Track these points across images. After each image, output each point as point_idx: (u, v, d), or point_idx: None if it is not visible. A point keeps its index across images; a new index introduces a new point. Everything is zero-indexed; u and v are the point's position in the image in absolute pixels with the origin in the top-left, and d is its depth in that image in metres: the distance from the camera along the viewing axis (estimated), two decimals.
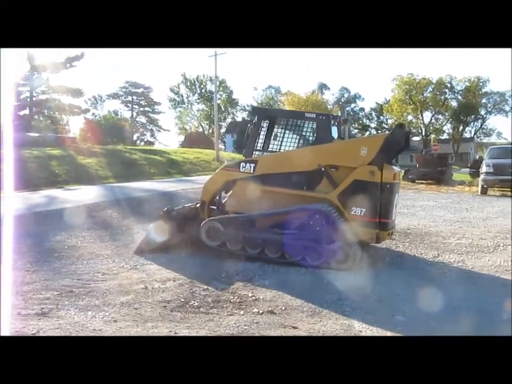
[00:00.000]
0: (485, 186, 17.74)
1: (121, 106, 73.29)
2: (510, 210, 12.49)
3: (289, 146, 7.88)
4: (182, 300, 5.25)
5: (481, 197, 17.26)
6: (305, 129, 7.84)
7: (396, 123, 7.49)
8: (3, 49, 5.06)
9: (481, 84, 57.55)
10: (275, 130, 7.96)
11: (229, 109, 79.51)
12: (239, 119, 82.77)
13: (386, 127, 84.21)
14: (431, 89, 58.00)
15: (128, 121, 68.72)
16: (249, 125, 8.22)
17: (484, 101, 60.58)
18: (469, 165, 29.68)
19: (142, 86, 72.38)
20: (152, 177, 25.11)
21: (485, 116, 62.46)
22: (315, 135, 7.70)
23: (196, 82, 75.75)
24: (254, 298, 5.39)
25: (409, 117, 60.43)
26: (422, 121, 59.92)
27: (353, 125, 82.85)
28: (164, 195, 15.04)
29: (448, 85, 57.72)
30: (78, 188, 17.72)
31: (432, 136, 60.06)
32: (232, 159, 8.68)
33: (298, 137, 7.94)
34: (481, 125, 64.55)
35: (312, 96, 67.67)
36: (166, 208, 7.64)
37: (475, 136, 65.24)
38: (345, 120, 8.54)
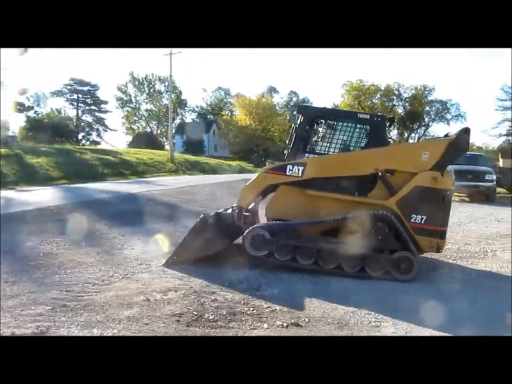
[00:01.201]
0: None
1: (66, 104, 70.39)
2: (478, 216, 12.78)
3: (339, 149, 7.34)
4: (195, 313, 4.77)
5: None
6: (357, 131, 7.28)
7: (462, 127, 6.89)
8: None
9: (427, 92, 59.40)
10: (323, 131, 7.45)
11: (178, 110, 78.22)
12: (188, 120, 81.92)
13: None
14: (379, 96, 59.31)
15: (73, 119, 66.16)
16: (293, 125, 7.57)
17: (427, 108, 62.53)
18: None
19: (88, 84, 69.81)
20: (105, 178, 24.14)
21: (428, 123, 64.47)
22: (368, 137, 7.20)
23: (144, 82, 74.02)
24: (270, 309, 5.00)
25: None
26: None
27: None
28: (129, 197, 14.29)
29: (396, 92, 59.21)
30: (32, 189, 16.64)
31: None
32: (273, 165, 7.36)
33: (349, 139, 7.39)
34: (424, 132, 66.62)
35: (263, 98, 67.80)
36: (203, 215, 6.96)
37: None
38: (392, 120, 7.88)
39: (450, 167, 17.86)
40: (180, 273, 6.24)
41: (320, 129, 7.44)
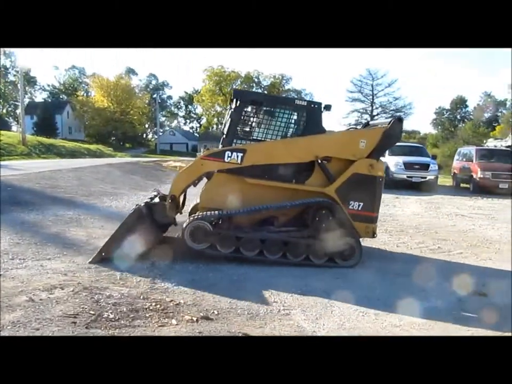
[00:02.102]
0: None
1: None
2: (434, 207, 13.46)
3: (276, 135, 7.08)
4: (92, 313, 4.27)
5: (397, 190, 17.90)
6: (294, 118, 7.08)
7: (395, 116, 6.64)
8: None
9: (284, 81, 61.94)
10: (260, 117, 7.12)
11: (27, 88, 71.73)
12: (38, 99, 75.73)
13: (195, 116, 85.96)
14: (240, 83, 60.38)
15: None
16: (228, 109, 7.04)
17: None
18: None
19: None
20: None
21: None
22: (305, 124, 7.00)
23: None
24: (174, 303, 4.67)
25: (219, 108, 62.04)
26: None
27: (161, 113, 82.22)
28: None
29: (256, 80, 60.78)
30: None
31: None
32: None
33: (285, 126, 7.10)
34: None
35: (121, 80, 65.15)
36: (137, 206, 6.27)
37: None
38: (329, 107, 7.60)
39: (401, 158, 18.52)
40: (63, 268, 5.61)
41: (257, 115, 7.15)
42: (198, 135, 77.27)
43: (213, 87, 59.09)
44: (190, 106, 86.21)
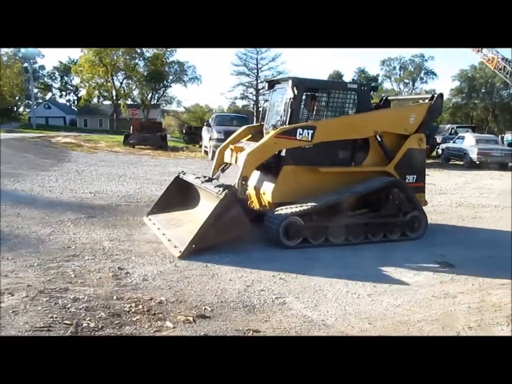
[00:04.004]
0: (216, 152, 18.42)
1: None
2: None
3: (333, 117, 6.94)
4: (67, 322, 3.59)
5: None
6: (347, 101, 6.98)
7: (436, 92, 7.61)
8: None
9: (168, 53, 59.81)
10: (317, 103, 7.01)
11: None
12: None
13: (72, 88, 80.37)
14: (121, 53, 57.31)
15: None
16: (287, 98, 6.63)
17: (167, 69, 63.25)
18: (183, 131, 30.65)
19: None
20: None
21: (168, 84, 65.38)
22: (357, 104, 6.97)
23: None
24: (156, 301, 4.11)
25: (100, 80, 58.53)
26: (113, 85, 58.73)
27: (33, 84, 75.77)
28: None
29: (138, 50, 58.01)
30: None
31: (122, 100, 59.72)
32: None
33: (341, 107, 6.98)
34: (163, 93, 67.50)
35: None
36: (226, 191, 5.67)
37: (158, 103, 67.87)
38: (376, 88, 7.75)
39: (222, 128, 18.56)
40: None
41: (314, 100, 7.01)
42: (76, 109, 72.36)
43: (93, 57, 55.37)
44: (65, 78, 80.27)
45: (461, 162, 20.20)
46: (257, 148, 6.20)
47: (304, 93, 6.80)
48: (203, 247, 5.43)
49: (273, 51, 59.36)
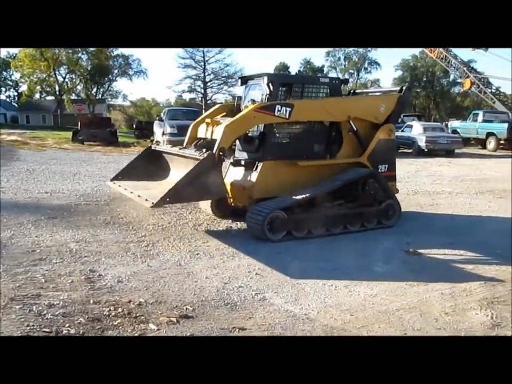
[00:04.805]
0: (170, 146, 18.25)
1: None
2: None
3: None
4: (46, 330, 3.47)
5: None
6: (320, 94, 7.14)
7: (404, 85, 8.52)
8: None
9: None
10: (291, 97, 6.98)
11: None
12: None
13: (11, 83, 77.05)
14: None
15: None
16: (263, 95, 6.64)
17: (111, 63, 61.70)
18: (134, 126, 29.97)
19: None
20: None
21: (113, 78, 63.82)
22: (329, 97, 7.11)
23: None
24: (134, 303, 4.03)
25: (42, 75, 56.38)
26: (56, 80, 56.75)
27: None
28: None
29: None
30: None
31: (65, 96, 57.85)
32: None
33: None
34: (108, 87, 65.88)
35: None
36: (208, 152, 5.78)
37: (104, 97, 66.14)
38: (347, 81, 8.51)
39: (175, 122, 18.33)
40: None
41: (289, 94, 7.06)
42: (18, 105, 69.38)
43: (33, 52, 53.19)
44: (4, 73, 76.72)
45: (410, 150, 20.79)
46: (235, 120, 6.22)
47: (279, 88, 6.87)
48: (175, 202, 5.72)
49: None
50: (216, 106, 7.75)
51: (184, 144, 7.07)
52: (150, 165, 7.00)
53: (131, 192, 6.24)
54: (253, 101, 6.42)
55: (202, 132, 6.91)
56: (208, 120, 6.80)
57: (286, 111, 6.30)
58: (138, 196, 5.94)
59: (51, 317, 3.67)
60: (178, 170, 6.26)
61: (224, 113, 7.27)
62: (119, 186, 6.77)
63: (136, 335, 3.46)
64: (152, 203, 5.38)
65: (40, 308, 3.81)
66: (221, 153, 5.86)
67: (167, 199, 5.39)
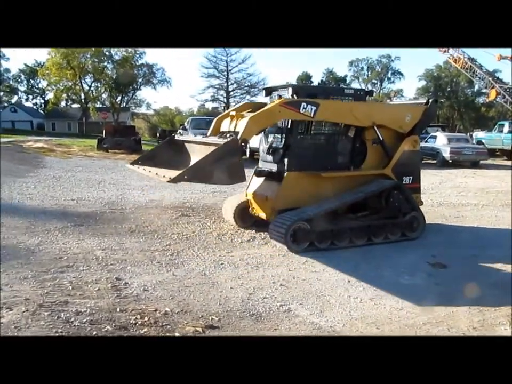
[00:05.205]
0: None
1: None
2: None
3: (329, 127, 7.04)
4: (74, 336, 3.49)
5: None
6: None
7: (430, 97, 9.11)
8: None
9: (137, 55, 59.10)
10: None
11: None
12: None
13: (38, 91, 78.64)
14: (90, 56, 56.40)
15: None
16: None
17: (136, 72, 62.54)
18: (158, 135, 30.28)
19: None
20: None
21: (137, 87, 64.65)
22: None
23: None
24: (161, 312, 4.05)
25: (68, 83, 57.44)
26: (81, 88, 57.78)
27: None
28: None
29: (107, 53, 57.17)
30: None
31: (90, 104, 58.80)
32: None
33: None
34: (133, 95, 66.75)
35: None
36: (233, 137, 5.70)
37: (128, 106, 67.00)
38: (372, 92, 8.22)
39: (199, 131, 18.36)
40: None
41: None
42: (44, 112, 70.74)
43: (60, 60, 54.27)
44: (32, 81, 78.39)
45: (434, 161, 20.57)
46: (260, 113, 6.16)
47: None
48: (192, 181, 5.61)
49: (243, 52, 59.46)
50: (242, 103, 7.77)
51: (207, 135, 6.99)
52: (171, 153, 6.87)
53: (149, 172, 6.23)
54: (279, 96, 6.40)
55: (226, 125, 6.72)
56: (233, 113, 6.61)
57: (311, 109, 6.26)
58: (156, 173, 5.89)
59: (78, 324, 3.72)
60: (199, 157, 6.07)
61: (250, 110, 7.11)
62: (137, 168, 6.74)
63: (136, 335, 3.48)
64: (170, 178, 5.30)
65: (68, 315, 3.86)
66: (242, 144, 5.79)
67: (185, 176, 5.30)
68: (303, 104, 6.23)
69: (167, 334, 3.63)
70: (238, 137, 5.73)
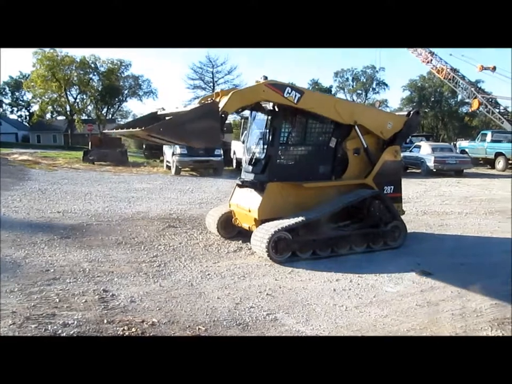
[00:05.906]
0: (179, 167, 18.40)
1: None
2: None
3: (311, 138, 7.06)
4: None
5: (183, 176, 17.90)
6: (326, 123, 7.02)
7: (414, 107, 8.29)
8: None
9: (123, 67, 59.11)
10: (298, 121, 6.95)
11: None
12: None
13: (23, 103, 78.14)
14: (75, 68, 56.26)
15: None
16: (267, 119, 6.79)
17: (121, 83, 62.47)
18: (143, 146, 30.16)
19: None
20: None
21: (123, 98, 64.58)
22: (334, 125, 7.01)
23: None
24: (148, 323, 4.06)
25: (54, 95, 57.17)
26: (67, 100, 57.52)
27: None
28: None
29: (93, 65, 57.07)
30: None
31: (76, 116, 58.54)
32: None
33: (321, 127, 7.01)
34: (118, 107, 66.67)
35: None
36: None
37: (114, 117, 66.82)
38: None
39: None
40: None
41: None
42: (29, 125, 70.31)
43: (45, 72, 54.04)
44: (17, 93, 77.93)
45: (418, 171, 20.82)
46: (244, 89, 6.39)
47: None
48: (167, 135, 5.34)
49: (229, 64, 59.62)
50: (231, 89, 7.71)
51: None
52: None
53: (124, 130, 6.40)
54: (265, 77, 6.39)
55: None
56: (218, 91, 6.45)
57: (295, 95, 6.25)
58: (131, 129, 5.99)
59: (66, 336, 3.73)
60: None
61: None
62: (114, 131, 7.00)
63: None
64: (143, 128, 5.27)
65: (55, 327, 3.86)
66: (223, 115, 5.68)
67: (160, 129, 5.23)
68: (288, 89, 6.24)
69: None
70: (220, 106, 5.66)
